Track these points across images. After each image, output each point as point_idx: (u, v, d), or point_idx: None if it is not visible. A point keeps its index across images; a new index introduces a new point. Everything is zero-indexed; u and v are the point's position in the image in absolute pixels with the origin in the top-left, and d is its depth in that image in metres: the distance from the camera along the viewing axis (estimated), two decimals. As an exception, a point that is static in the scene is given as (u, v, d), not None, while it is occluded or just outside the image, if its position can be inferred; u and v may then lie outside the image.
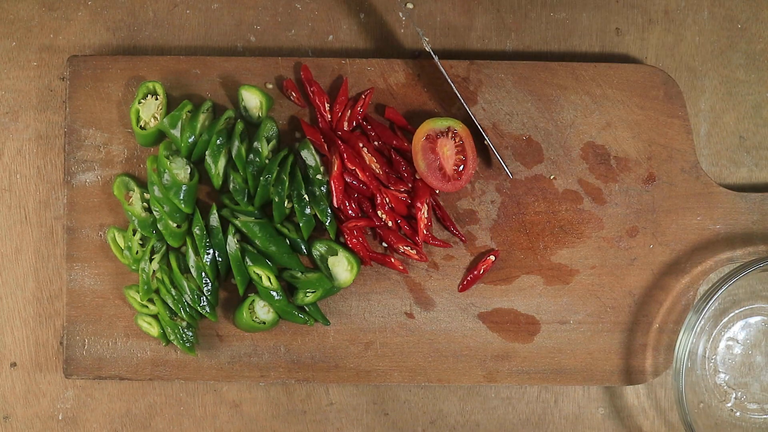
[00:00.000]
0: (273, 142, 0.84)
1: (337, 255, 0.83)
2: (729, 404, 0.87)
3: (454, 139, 0.82)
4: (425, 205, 0.83)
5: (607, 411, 0.88)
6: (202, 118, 0.83)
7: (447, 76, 0.82)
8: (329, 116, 0.85)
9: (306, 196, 0.82)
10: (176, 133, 0.82)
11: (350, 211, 0.83)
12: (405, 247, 0.84)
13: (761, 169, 0.89)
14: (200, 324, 0.85)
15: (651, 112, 0.85)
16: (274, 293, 0.82)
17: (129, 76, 0.85)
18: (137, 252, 0.83)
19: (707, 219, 0.86)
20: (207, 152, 0.82)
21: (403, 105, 0.86)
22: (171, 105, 0.85)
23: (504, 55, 0.89)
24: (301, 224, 0.83)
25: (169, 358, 0.85)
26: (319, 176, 0.83)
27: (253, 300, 0.83)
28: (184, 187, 0.81)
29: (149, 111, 0.84)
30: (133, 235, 0.83)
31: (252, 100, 0.84)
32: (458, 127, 0.82)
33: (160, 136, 0.84)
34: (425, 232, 0.84)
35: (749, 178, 0.89)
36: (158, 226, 0.82)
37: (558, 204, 0.86)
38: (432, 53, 0.81)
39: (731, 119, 0.89)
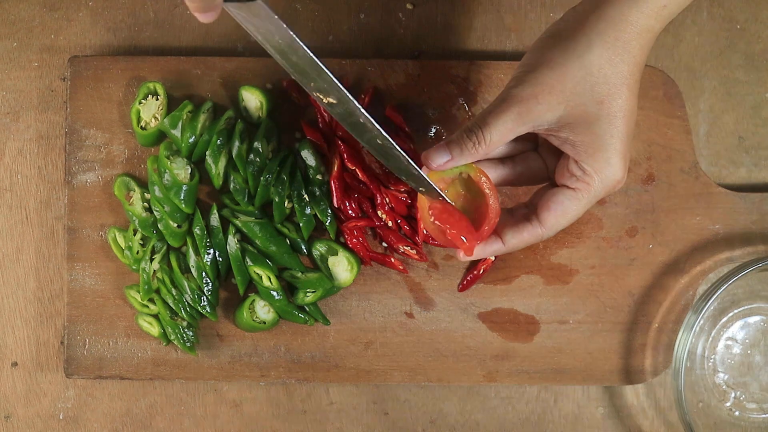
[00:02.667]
0: (273, 142, 0.84)
1: (337, 255, 0.83)
2: (728, 404, 0.87)
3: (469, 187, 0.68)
4: (425, 205, 0.84)
5: (606, 410, 0.88)
6: (202, 118, 0.83)
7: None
8: (329, 116, 0.85)
9: (306, 196, 0.83)
10: (177, 133, 0.82)
11: (350, 211, 0.83)
12: (405, 247, 0.84)
13: (760, 169, 0.89)
14: (201, 324, 0.85)
15: (650, 112, 0.85)
16: (275, 293, 0.82)
17: (130, 76, 0.86)
18: (138, 252, 0.83)
19: (706, 219, 0.86)
20: (207, 152, 0.82)
21: (403, 105, 0.86)
22: (171, 105, 0.85)
23: (504, 56, 0.89)
24: (301, 224, 0.83)
25: (169, 358, 0.85)
26: (319, 176, 0.83)
27: (254, 300, 0.83)
28: (184, 187, 0.81)
29: (150, 111, 0.84)
30: (134, 235, 0.84)
31: (252, 100, 0.84)
32: (472, 171, 0.67)
33: (161, 136, 0.84)
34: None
35: (748, 179, 0.89)
36: (159, 226, 0.83)
37: (557, 204, 0.86)
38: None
39: (730, 119, 0.89)
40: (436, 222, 0.68)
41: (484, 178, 0.67)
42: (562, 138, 0.64)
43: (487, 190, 0.66)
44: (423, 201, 0.69)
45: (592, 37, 0.62)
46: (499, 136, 0.63)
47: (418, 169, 0.67)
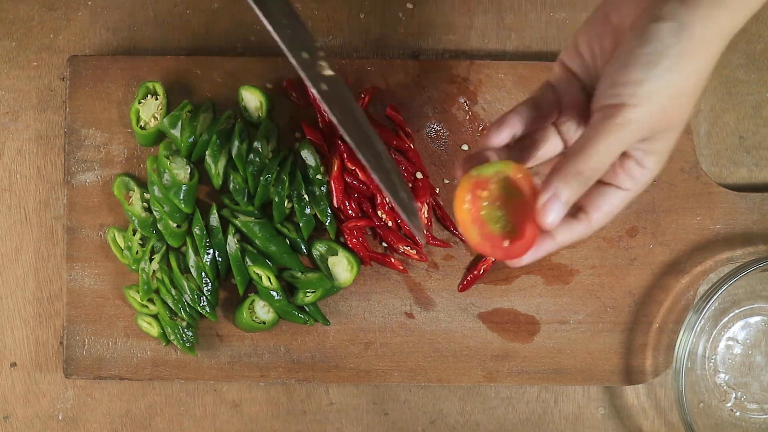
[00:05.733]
0: (273, 142, 0.84)
1: (337, 255, 0.83)
2: (729, 404, 0.87)
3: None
4: (425, 205, 0.84)
5: (607, 411, 0.88)
6: (202, 118, 0.83)
7: None
8: (329, 116, 0.85)
9: (306, 196, 0.83)
10: (176, 133, 0.82)
11: (350, 211, 0.83)
12: (405, 247, 0.84)
13: (761, 169, 0.89)
14: (200, 324, 0.85)
15: (651, 112, 0.85)
16: (274, 293, 0.82)
17: (129, 76, 0.85)
18: (137, 252, 0.83)
19: (707, 219, 0.86)
20: (207, 152, 0.82)
21: (403, 105, 0.86)
22: (171, 105, 0.85)
23: (504, 55, 0.89)
24: (301, 224, 0.83)
25: (169, 358, 0.85)
26: (319, 176, 0.83)
27: (253, 300, 0.83)
28: (184, 187, 0.81)
29: (149, 111, 0.84)
30: (133, 235, 0.83)
31: (252, 100, 0.84)
32: (511, 171, 0.59)
33: (160, 136, 0.84)
34: (425, 232, 0.84)
35: (749, 178, 0.89)
36: (158, 226, 0.82)
37: (558, 204, 0.86)
38: None
39: (731, 119, 0.89)
40: (478, 227, 0.60)
41: (523, 177, 0.59)
42: (643, 146, 0.60)
43: (526, 190, 0.59)
44: (461, 199, 0.60)
45: (706, 54, 0.57)
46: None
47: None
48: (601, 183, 0.61)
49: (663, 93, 0.56)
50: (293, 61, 0.64)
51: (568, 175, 0.57)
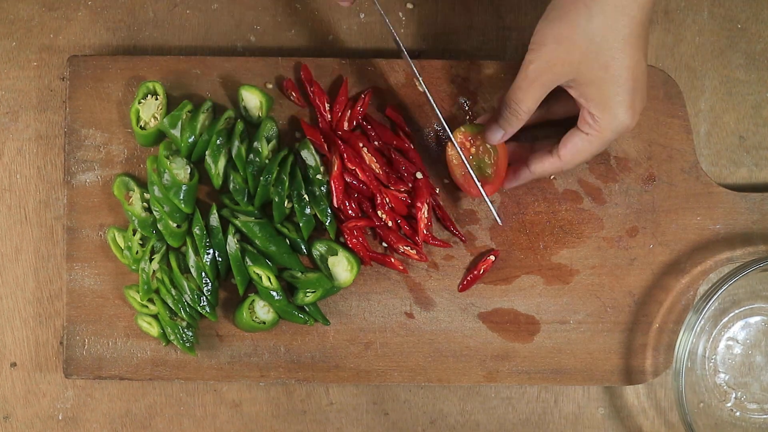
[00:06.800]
0: (273, 142, 0.84)
1: (337, 255, 0.83)
2: (729, 404, 0.87)
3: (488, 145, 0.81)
4: (425, 205, 0.83)
5: (607, 411, 0.88)
6: (202, 118, 0.83)
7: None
8: (329, 116, 0.85)
9: (306, 196, 0.83)
10: (176, 133, 0.82)
11: (350, 211, 0.83)
12: (405, 247, 0.84)
13: (761, 169, 0.89)
14: (200, 324, 0.85)
15: (651, 112, 0.85)
16: (274, 293, 0.82)
17: (129, 76, 0.85)
18: (137, 252, 0.83)
19: (707, 219, 0.86)
20: (207, 152, 0.82)
21: (403, 105, 0.86)
22: (171, 105, 0.85)
23: (504, 55, 0.89)
24: (301, 224, 0.83)
25: (169, 358, 0.85)
26: (319, 176, 0.83)
27: (253, 300, 0.83)
28: (184, 187, 0.81)
29: (149, 111, 0.84)
30: (133, 235, 0.83)
31: (252, 100, 0.84)
32: None
33: (160, 136, 0.84)
34: (425, 232, 0.84)
35: (749, 178, 0.89)
36: (158, 226, 0.82)
37: (558, 204, 0.86)
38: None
39: (731, 119, 0.89)
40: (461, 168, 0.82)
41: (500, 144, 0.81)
42: (576, 93, 0.73)
43: (500, 149, 0.81)
44: (456, 138, 0.81)
45: (592, 8, 0.68)
46: (533, 104, 0.74)
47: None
48: (575, 128, 0.76)
49: (548, 38, 0.70)
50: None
51: (500, 105, 0.76)
